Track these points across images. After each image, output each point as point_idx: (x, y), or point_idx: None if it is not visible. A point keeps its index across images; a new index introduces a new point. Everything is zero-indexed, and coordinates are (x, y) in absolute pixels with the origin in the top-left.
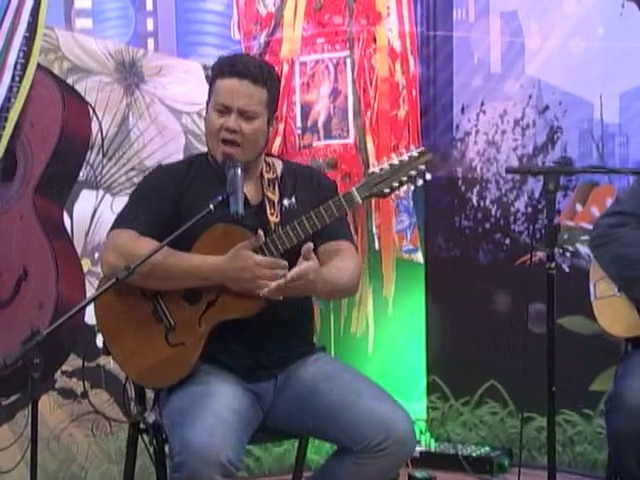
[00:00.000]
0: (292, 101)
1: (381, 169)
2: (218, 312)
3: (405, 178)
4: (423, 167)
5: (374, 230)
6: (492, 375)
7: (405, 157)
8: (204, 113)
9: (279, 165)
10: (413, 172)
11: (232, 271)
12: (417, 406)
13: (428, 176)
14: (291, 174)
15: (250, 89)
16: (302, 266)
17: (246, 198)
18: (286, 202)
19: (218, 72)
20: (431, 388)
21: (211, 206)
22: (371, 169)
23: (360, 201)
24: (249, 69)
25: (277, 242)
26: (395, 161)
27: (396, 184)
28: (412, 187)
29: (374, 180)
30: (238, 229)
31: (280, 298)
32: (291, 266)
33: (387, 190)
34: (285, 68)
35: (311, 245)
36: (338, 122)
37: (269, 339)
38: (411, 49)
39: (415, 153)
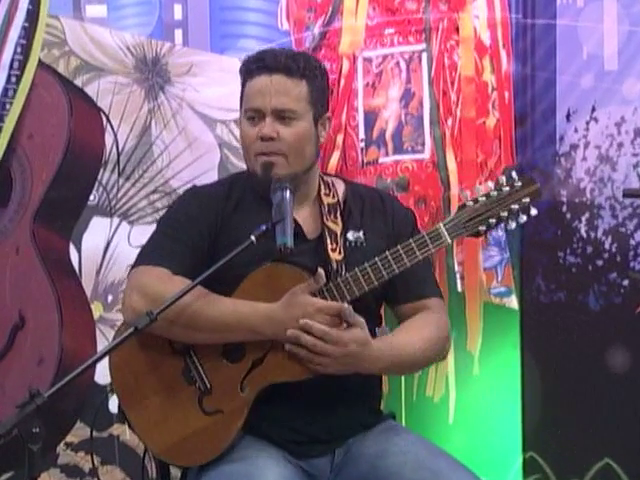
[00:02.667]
0: (353, 107)
1: (475, 201)
2: (266, 373)
3: (505, 214)
4: (527, 200)
5: (456, 268)
6: (607, 452)
7: (506, 188)
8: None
9: (341, 187)
10: (515, 206)
11: (289, 321)
12: None
13: (534, 211)
14: (357, 199)
15: (285, 84)
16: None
17: (301, 229)
18: (351, 235)
19: (245, 74)
20: (529, 467)
21: (252, 237)
22: (463, 201)
23: (450, 242)
24: (280, 61)
25: (343, 287)
26: (493, 192)
27: (494, 220)
28: (513, 225)
29: (467, 215)
30: (291, 269)
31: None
32: None
33: (483, 228)
34: (345, 65)
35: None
36: (411, 133)
37: (326, 406)
38: (503, 41)
39: (518, 183)
